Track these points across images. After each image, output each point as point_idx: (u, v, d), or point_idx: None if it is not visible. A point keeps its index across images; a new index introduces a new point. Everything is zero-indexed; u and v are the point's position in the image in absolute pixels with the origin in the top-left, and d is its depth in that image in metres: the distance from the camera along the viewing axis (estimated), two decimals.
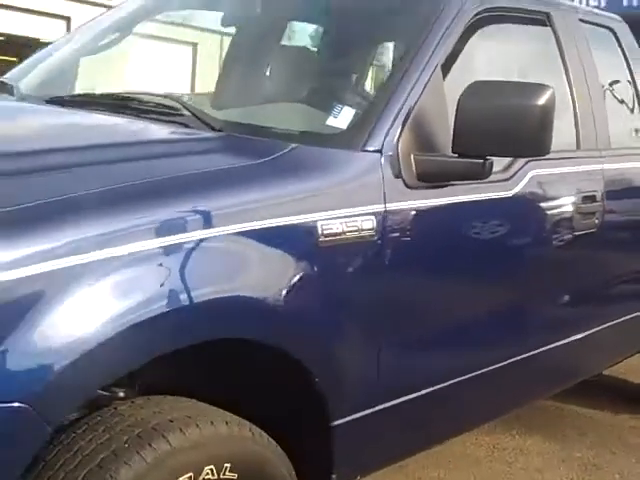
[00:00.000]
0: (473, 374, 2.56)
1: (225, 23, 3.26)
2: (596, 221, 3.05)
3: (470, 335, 2.56)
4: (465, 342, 2.56)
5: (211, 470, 1.78)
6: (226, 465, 1.81)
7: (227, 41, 3.30)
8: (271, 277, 1.90)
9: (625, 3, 6.57)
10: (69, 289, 1.55)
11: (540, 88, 2.26)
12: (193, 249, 1.74)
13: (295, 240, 1.94)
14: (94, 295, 1.58)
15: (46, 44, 3.39)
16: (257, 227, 1.87)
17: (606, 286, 3.32)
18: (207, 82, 4.03)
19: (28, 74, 2.99)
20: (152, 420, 1.76)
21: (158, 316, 1.66)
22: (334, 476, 2.19)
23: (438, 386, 2.43)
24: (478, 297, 2.59)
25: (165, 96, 2.46)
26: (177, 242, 1.71)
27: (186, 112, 2.31)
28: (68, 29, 23.10)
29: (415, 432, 2.52)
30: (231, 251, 1.83)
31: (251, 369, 2.02)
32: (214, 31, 4.01)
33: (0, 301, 1.49)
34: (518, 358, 2.77)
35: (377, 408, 2.22)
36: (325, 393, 2.06)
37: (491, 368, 2.64)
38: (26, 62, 3.15)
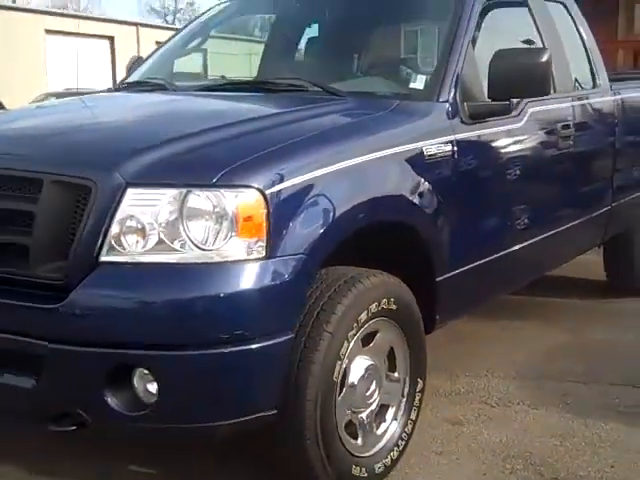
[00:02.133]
0: (519, 246, 3.80)
1: None
2: (571, 142, 4.27)
3: (513, 217, 3.78)
4: (509, 223, 3.78)
5: (385, 301, 2.90)
6: (391, 299, 2.93)
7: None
8: (403, 182, 3.04)
9: None
10: (320, 189, 2.64)
11: (542, 50, 3.48)
12: (366, 167, 2.86)
13: (412, 159, 3.08)
14: (329, 193, 2.67)
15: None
16: (390, 153, 2.99)
17: (581, 188, 4.55)
18: None
19: (157, 72, 4.04)
20: (349, 274, 2.86)
21: (362, 203, 2.79)
22: (437, 317, 3.34)
23: (501, 253, 3.65)
24: (509, 191, 3.77)
25: (292, 78, 3.57)
26: (362, 161, 2.83)
27: (313, 87, 3.40)
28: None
29: (488, 287, 3.73)
30: (380, 168, 2.95)
31: (388, 246, 3.12)
32: None
33: (287, 197, 2.55)
34: (539, 238, 3.99)
35: (465, 269, 3.39)
36: (433, 257, 3.20)
37: (529, 242, 3.87)
38: (145, 64, 4.19)
